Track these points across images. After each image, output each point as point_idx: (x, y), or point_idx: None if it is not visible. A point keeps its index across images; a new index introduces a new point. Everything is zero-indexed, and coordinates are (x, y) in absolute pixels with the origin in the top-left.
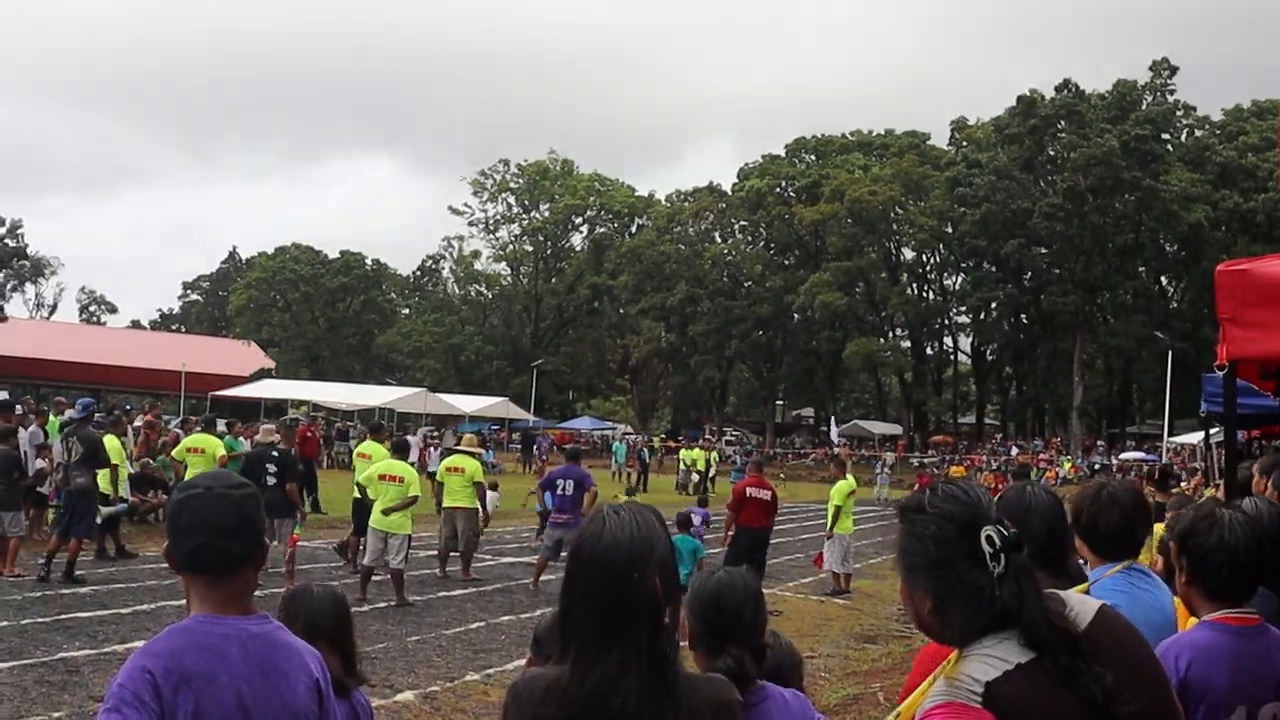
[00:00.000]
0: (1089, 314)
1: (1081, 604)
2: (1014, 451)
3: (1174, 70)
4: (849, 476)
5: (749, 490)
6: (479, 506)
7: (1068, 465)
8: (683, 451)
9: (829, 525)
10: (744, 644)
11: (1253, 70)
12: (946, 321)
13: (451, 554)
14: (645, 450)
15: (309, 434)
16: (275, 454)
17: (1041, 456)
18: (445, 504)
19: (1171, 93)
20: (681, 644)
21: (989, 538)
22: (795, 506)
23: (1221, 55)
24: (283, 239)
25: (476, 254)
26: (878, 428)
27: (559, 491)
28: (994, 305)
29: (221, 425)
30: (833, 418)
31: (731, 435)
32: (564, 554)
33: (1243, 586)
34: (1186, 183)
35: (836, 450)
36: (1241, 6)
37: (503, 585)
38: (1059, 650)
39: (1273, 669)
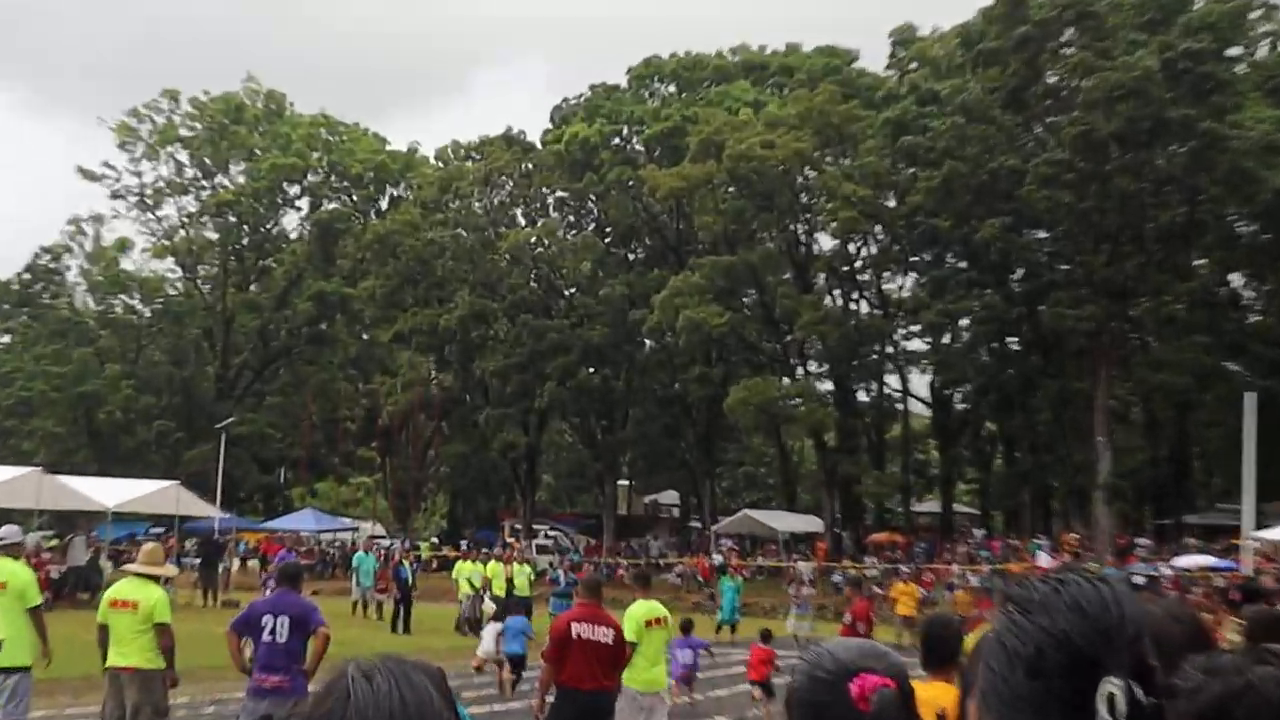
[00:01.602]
0: (1117, 334)
1: None
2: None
3: None
4: (649, 598)
5: (576, 628)
6: (165, 665)
7: None
8: (464, 565)
9: None
10: None
11: None
12: (889, 349)
13: None
14: (407, 564)
15: None
16: None
17: (1050, 562)
18: (111, 661)
19: None
20: None
21: (1111, 696)
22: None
23: None
24: None
25: (126, 245)
26: (783, 520)
27: (265, 636)
28: (964, 322)
29: None
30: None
31: (547, 536)
32: None
33: None
34: (1270, 124)
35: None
36: None
37: None
38: None
39: None
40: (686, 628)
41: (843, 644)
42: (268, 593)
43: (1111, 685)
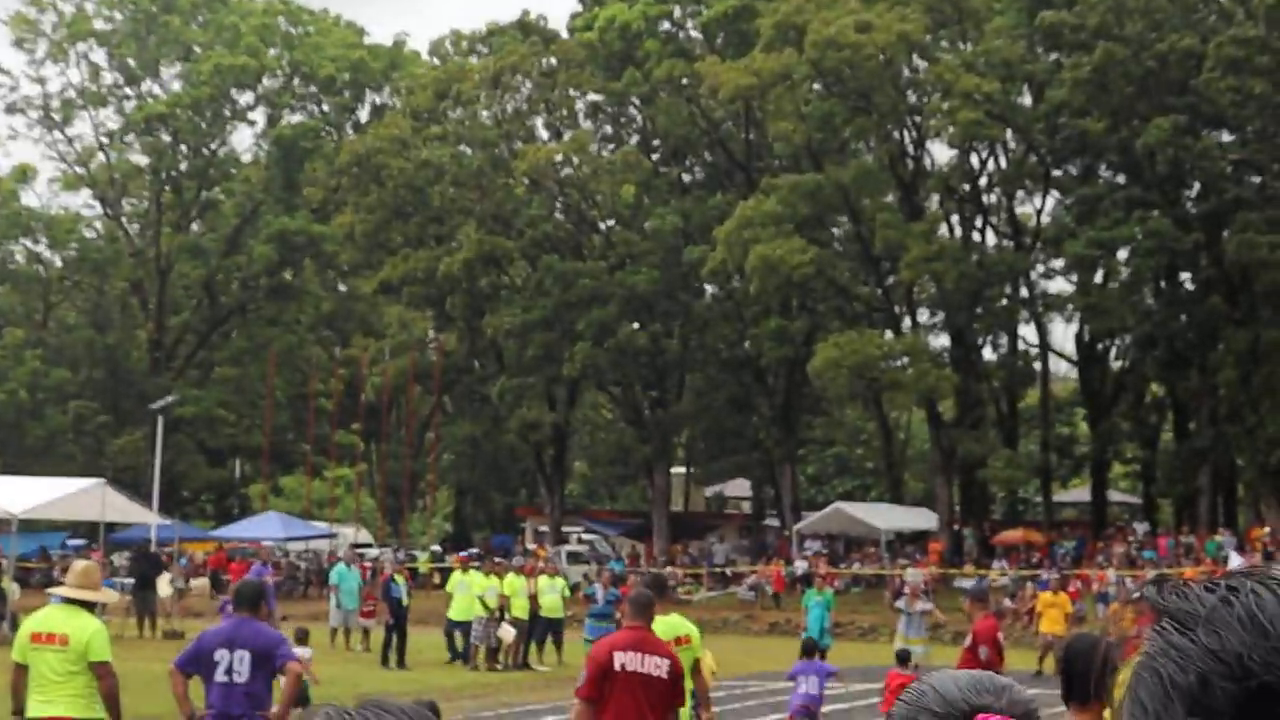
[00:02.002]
0: None
1: None
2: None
3: None
4: (668, 612)
5: (620, 658)
6: (106, 716)
7: None
8: (473, 578)
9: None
10: None
11: None
12: (1024, 292)
13: None
14: (400, 581)
15: None
16: None
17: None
18: (31, 713)
19: None
20: None
21: None
22: (731, 684)
23: None
24: None
25: (27, 173)
26: (886, 516)
27: (220, 675)
28: (1123, 255)
29: None
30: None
31: (581, 540)
32: None
33: None
34: None
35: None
36: None
37: None
38: None
39: None
40: (811, 649)
41: (953, 677)
42: (222, 620)
43: None
